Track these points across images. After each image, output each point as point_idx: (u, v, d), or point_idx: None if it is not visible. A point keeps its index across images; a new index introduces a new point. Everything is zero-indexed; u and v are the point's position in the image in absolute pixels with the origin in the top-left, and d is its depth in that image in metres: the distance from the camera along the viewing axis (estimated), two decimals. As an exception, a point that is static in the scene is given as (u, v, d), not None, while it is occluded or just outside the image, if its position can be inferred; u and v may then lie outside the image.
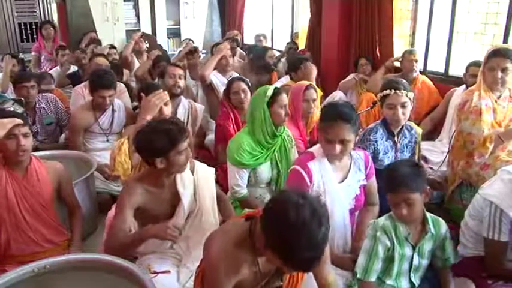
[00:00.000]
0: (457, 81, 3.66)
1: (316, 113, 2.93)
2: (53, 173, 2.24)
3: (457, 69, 3.85)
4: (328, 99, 4.15)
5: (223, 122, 3.17)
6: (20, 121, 2.04)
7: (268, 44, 6.37)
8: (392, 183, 1.75)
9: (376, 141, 2.39)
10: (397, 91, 2.34)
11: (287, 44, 5.65)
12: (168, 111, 2.45)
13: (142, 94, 2.43)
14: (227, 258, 1.40)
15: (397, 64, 4.18)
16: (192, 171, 2.01)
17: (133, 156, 2.31)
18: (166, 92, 2.45)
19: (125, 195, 1.87)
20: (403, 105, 2.35)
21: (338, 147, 1.86)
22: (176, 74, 3.33)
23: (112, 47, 5.21)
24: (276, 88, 2.47)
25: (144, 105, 2.38)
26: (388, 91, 2.36)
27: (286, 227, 1.23)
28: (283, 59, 5.29)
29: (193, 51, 4.91)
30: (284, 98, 2.43)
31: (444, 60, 3.97)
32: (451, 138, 2.69)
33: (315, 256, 1.25)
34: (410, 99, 2.38)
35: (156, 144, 1.78)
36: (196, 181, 2.00)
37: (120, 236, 1.80)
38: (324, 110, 1.99)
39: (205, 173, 2.07)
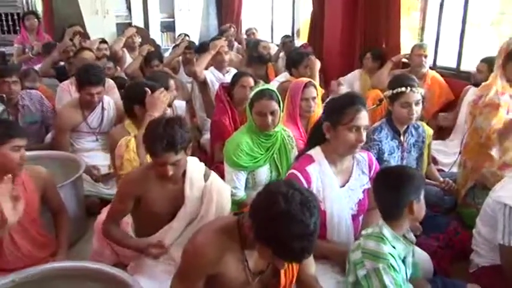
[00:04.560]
0: (470, 77, 3.63)
1: (317, 111, 2.91)
2: (38, 180, 2.20)
3: (470, 64, 3.82)
4: (333, 94, 4.15)
5: (219, 117, 3.15)
6: None
7: (268, 39, 6.38)
8: None
9: (380, 141, 2.39)
10: (413, 88, 2.35)
11: (282, 38, 5.65)
12: (168, 110, 2.55)
13: (147, 89, 2.45)
14: (210, 243, 1.48)
15: (404, 59, 4.17)
16: (206, 179, 2.04)
17: (141, 153, 2.32)
18: (166, 92, 2.54)
19: (127, 182, 2.00)
20: (417, 103, 2.37)
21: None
22: None
23: (103, 41, 5.18)
24: (259, 91, 2.42)
25: (150, 102, 2.42)
26: (403, 88, 2.35)
27: (276, 217, 1.29)
28: (281, 54, 5.28)
29: (189, 47, 4.92)
30: (264, 105, 2.36)
31: (456, 54, 3.93)
32: (463, 137, 2.68)
33: (307, 246, 1.30)
34: (422, 95, 2.40)
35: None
36: (206, 190, 2.01)
37: (113, 229, 2.03)
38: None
39: (220, 187, 2.07)
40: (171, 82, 3.07)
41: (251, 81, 3.18)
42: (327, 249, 1.92)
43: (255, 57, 4.56)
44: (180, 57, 5.07)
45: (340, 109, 1.85)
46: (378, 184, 1.75)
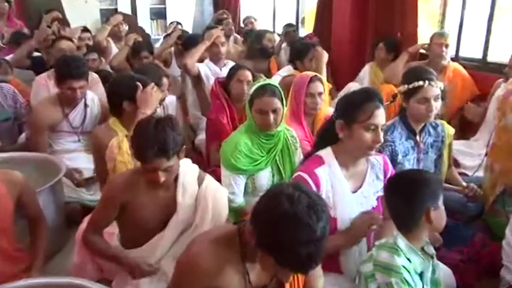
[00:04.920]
0: (499, 69, 3.58)
1: (324, 109, 2.93)
2: (13, 185, 2.14)
3: (499, 55, 3.77)
4: (344, 91, 4.13)
5: (215, 115, 3.16)
6: None
7: (269, 28, 6.35)
8: None
9: (393, 142, 2.40)
10: (431, 82, 2.35)
11: (284, 27, 5.64)
12: (159, 108, 2.61)
13: (138, 84, 2.46)
14: (207, 253, 1.48)
15: (422, 50, 4.14)
16: (200, 184, 2.04)
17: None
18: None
19: (112, 187, 2.01)
20: (436, 98, 2.37)
21: None
22: None
23: (85, 29, 5.15)
24: (260, 87, 2.42)
25: (142, 98, 2.45)
26: (420, 82, 2.35)
27: (279, 220, 1.30)
28: (283, 45, 5.28)
29: (182, 36, 4.90)
30: (265, 103, 2.36)
31: (482, 44, 3.88)
32: (489, 137, 2.67)
33: (314, 252, 1.29)
34: (441, 90, 2.40)
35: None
36: (200, 196, 2.02)
37: (94, 239, 2.04)
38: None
39: (216, 192, 2.07)
40: (164, 80, 3.08)
41: (248, 74, 3.20)
42: (338, 238, 1.89)
43: (257, 49, 4.54)
44: (172, 49, 5.06)
45: (356, 105, 1.85)
46: (390, 190, 1.76)
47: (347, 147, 1.91)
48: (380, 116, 1.84)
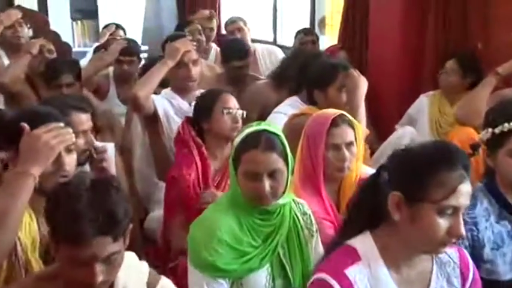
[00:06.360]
0: None
1: (357, 168, 2.99)
2: None
3: None
4: (392, 139, 4.19)
5: (179, 171, 3.22)
6: None
7: (268, 36, 6.49)
8: None
9: (475, 225, 2.42)
10: None
11: (297, 34, 5.78)
12: (71, 163, 2.47)
13: (22, 125, 2.48)
14: None
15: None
16: None
17: None
18: (70, 129, 2.48)
19: None
20: None
21: None
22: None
23: None
24: (249, 136, 2.45)
25: (26, 147, 2.33)
26: None
27: None
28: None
29: (128, 50, 5.01)
30: (258, 161, 2.39)
31: None
32: None
33: None
34: None
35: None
36: None
37: None
38: None
39: None
40: (78, 117, 3.01)
41: (235, 102, 3.34)
42: None
43: (292, 72, 4.54)
44: (110, 70, 5.18)
45: (429, 174, 1.82)
46: None
47: (404, 236, 1.91)
48: (465, 194, 1.82)
